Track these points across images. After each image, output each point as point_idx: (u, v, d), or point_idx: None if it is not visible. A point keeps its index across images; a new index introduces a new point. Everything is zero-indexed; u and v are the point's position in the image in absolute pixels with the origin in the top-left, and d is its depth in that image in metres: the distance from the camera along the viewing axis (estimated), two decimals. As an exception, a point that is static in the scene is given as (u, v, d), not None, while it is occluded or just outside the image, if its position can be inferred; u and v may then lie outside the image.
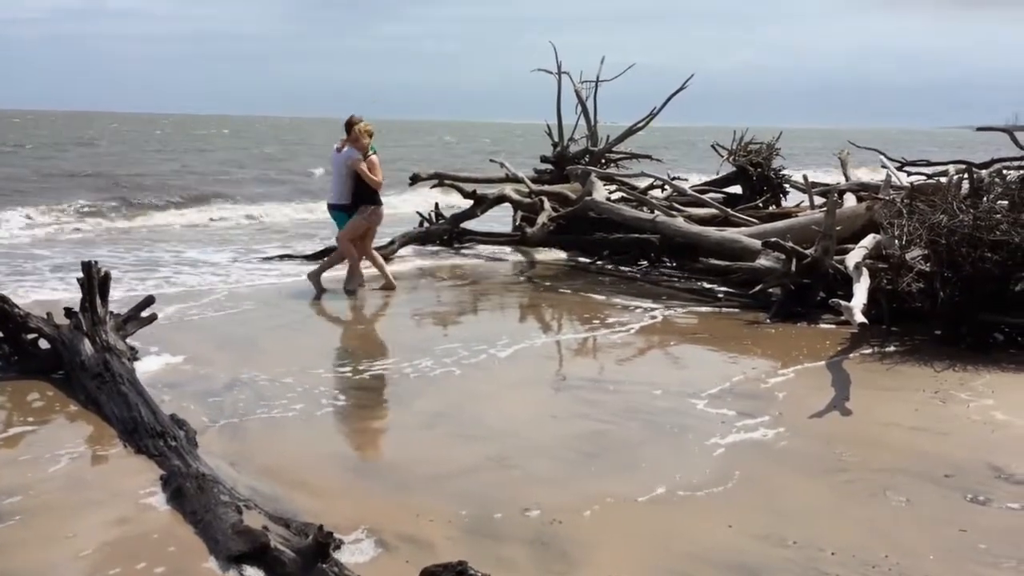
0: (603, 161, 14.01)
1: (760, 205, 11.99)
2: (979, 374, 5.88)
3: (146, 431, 4.47)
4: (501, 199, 11.84)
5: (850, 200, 9.45)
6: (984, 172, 8.26)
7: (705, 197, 11.54)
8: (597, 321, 7.69)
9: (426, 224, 12.28)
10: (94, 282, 5.82)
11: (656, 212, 10.19)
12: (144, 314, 6.27)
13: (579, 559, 3.38)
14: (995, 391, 5.52)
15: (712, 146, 14.40)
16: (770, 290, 7.97)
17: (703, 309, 8.19)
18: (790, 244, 7.71)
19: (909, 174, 10.77)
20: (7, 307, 5.67)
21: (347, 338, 7.59)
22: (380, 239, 11.09)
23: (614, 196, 11.69)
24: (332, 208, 9.05)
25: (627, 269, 10.29)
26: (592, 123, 14.43)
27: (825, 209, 7.96)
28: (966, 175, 7.69)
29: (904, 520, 3.74)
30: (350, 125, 8.82)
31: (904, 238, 6.86)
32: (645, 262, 10.45)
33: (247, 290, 8.92)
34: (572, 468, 4.32)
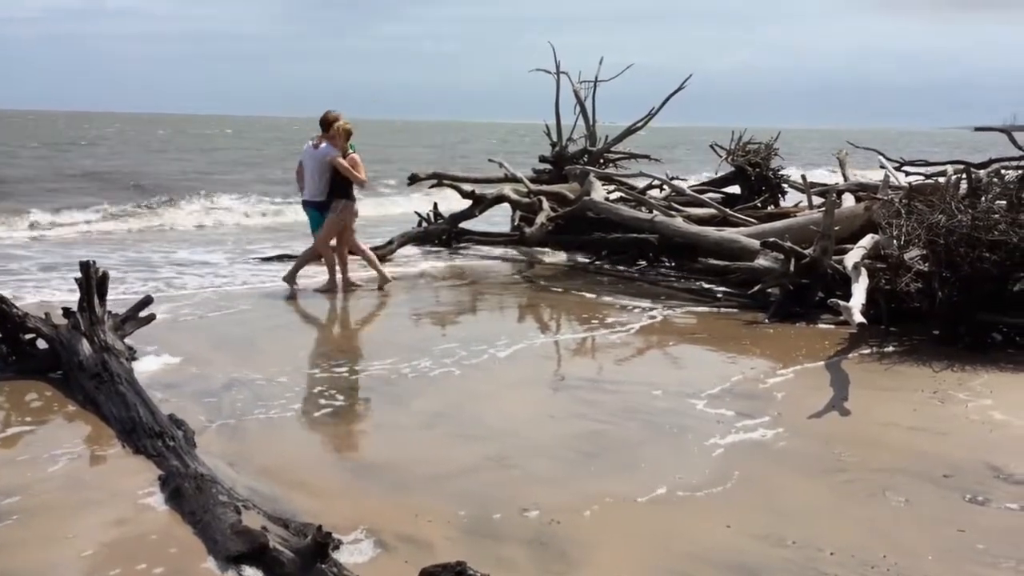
0: (602, 161, 14.01)
1: (759, 205, 11.99)
2: (977, 374, 5.88)
3: (144, 431, 4.47)
4: (500, 199, 11.84)
5: (848, 200, 9.46)
6: (982, 172, 8.29)
7: (704, 197, 11.54)
8: (596, 321, 7.69)
9: (425, 224, 12.28)
10: (92, 282, 5.82)
11: (655, 212, 10.20)
12: (142, 314, 6.26)
13: (578, 559, 3.37)
14: (993, 391, 5.53)
15: (711, 146, 14.41)
16: (769, 290, 7.97)
17: (702, 309, 8.19)
18: (788, 244, 7.71)
19: (907, 174, 10.79)
20: (5, 307, 5.66)
21: (345, 338, 7.59)
22: (377, 239, 11.13)
23: (613, 196, 11.69)
24: (307, 204, 9.03)
25: (626, 269, 10.29)
26: (591, 123, 14.43)
27: (824, 209, 7.97)
28: (964, 175, 7.70)
29: (903, 520, 3.74)
30: (327, 121, 8.77)
31: (902, 238, 6.87)
32: (644, 262, 10.45)
33: (245, 290, 8.92)
34: (571, 468, 4.32)
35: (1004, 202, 6.86)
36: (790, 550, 3.44)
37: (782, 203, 12.87)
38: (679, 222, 9.87)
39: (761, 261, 8.12)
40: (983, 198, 6.95)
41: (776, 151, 13.60)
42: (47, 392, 5.35)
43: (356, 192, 8.92)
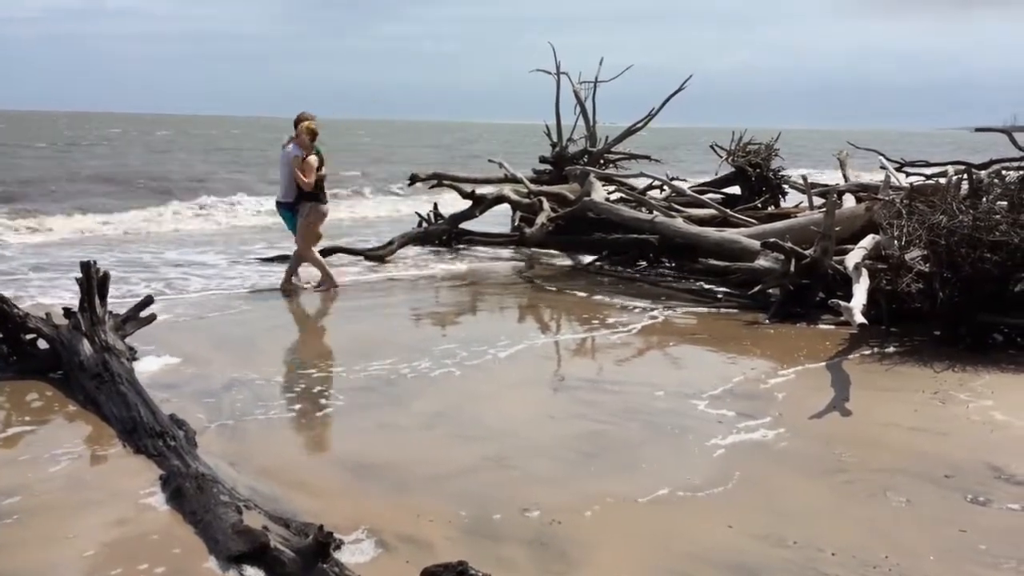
0: (602, 161, 14.02)
1: (759, 206, 12.00)
2: (978, 375, 5.88)
3: (145, 431, 4.47)
4: (500, 199, 11.84)
5: (849, 201, 9.46)
6: (983, 173, 8.28)
7: (704, 198, 11.54)
8: (596, 321, 7.69)
9: (425, 224, 12.28)
10: (93, 282, 5.81)
11: (655, 212, 10.20)
12: (143, 314, 6.26)
13: (579, 559, 3.37)
14: (994, 392, 5.53)
15: (711, 146, 14.41)
16: (769, 291, 7.97)
17: (702, 310, 8.19)
18: (789, 245, 7.71)
19: (908, 175, 10.79)
20: (6, 307, 5.66)
21: (345, 338, 7.58)
22: (372, 240, 11.12)
23: (613, 196, 11.69)
24: (279, 205, 9.13)
25: (626, 269, 10.29)
26: (591, 123, 14.44)
27: (824, 210, 7.97)
28: (965, 176, 7.69)
29: (904, 520, 3.74)
30: (298, 122, 8.82)
31: (903, 239, 6.86)
32: (644, 262, 10.44)
33: (245, 291, 8.91)
34: (572, 468, 4.31)
35: (1005, 203, 6.86)
36: (791, 550, 3.44)
37: (783, 204, 12.87)
38: (679, 223, 9.87)
39: (762, 262, 8.12)
40: (984, 199, 6.95)
41: (776, 151, 13.60)
42: (48, 392, 5.35)
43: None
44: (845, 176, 11.68)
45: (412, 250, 11.52)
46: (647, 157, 14.67)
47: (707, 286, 9.15)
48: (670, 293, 8.97)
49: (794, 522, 3.71)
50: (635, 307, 8.23)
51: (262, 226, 14.77)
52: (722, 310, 8.18)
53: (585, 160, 13.63)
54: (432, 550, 3.38)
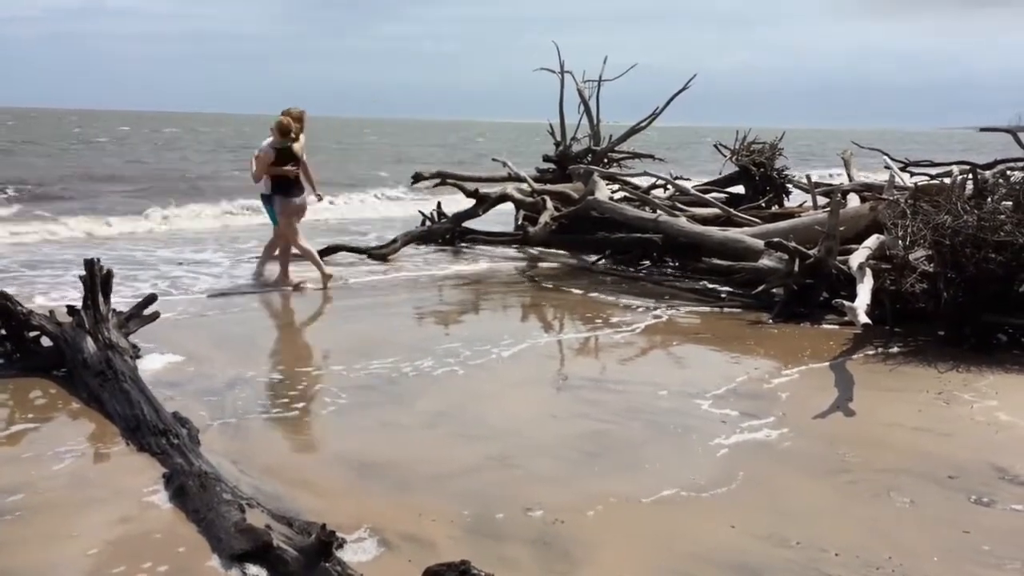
0: (606, 160, 14.01)
1: (763, 205, 11.98)
2: (983, 375, 5.87)
3: (148, 429, 4.47)
4: (503, 198, 11.83)
5: (854, 200, 9.43)
6: (988, 173, 8.25)
7: (708, 197, 11.51)
8: (600, 321, 7.68)
9: (428, 223, 12.28)
10: (96, 280, 5.82)
11: (659, 212, 10.18)
12: (146, 312, 6.27)
13: (582, 559, 3.37)
14: (999, 392, 5.51)
15: (715, 146, 14.39)
16: (773, 290, 7.96)
17: (706, 309, 8.18)
18: (793, 244, 7.70)
19: (912, 175, 10.76)
20: (9, 304, 5.67)
21: (348, 337, 7.56)
22: (371, 238, 11.11)
23: (617, 195, 11.68)
24: (262, 198, 9.33)
25: (629, 268, 10.28)
26: (595, 122, 14.43)
27: (828, 209, 7.95)
28: (970, 176, 7.67)
29: (907, 521, 3.74)
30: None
31: (908, 239, 6.85)
32: (647, 262, 10.43)
33: (248, 290, 8.90)
34: (575, 468, 4.31)
35: (1010, 203, 6.84)
36: (794, 551, 3.44)
37: (786, 203, 12.86)
38: (683, 222, 9.86)
39: (765, 261, 8.10)
40: (989, 199, 6.94)
41: (780, 151, 13.58)
42: (51, 390, 5.36)
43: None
44: (850, 175, 11.66)
45: (415, 249, 11.52)
46: (651, 156, 14.66)
47: (711, 285, 9.13)
48: (673, 292, 8.96)
49: (797, 522, 3.70)
50: (638, 306, 8.22)
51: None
52: (726, 310, 8.17)
53: (589, 159, 13.62)
54: (435, 549, 3.38)
